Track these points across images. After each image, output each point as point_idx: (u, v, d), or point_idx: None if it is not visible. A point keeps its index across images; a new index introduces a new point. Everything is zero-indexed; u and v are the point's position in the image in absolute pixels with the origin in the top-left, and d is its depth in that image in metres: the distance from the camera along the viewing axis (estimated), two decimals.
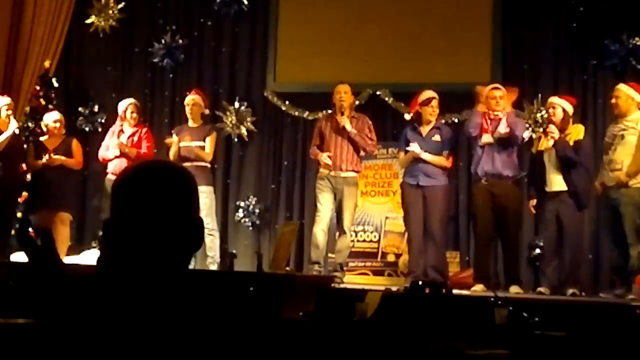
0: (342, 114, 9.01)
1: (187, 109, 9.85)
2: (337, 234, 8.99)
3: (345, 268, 8.94)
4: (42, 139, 10.10)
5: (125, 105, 9.98)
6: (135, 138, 9.87)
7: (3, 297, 5.94)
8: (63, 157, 9.89)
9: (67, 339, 1.90)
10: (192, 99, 9.85)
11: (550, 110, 8.78)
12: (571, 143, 8.54)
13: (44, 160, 9.77)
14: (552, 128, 8.57)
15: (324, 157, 9.00)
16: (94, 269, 2.05)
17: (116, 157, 9.75)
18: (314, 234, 8.95)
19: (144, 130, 10.00)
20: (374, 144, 9.10)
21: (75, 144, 10.11)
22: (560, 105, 8.70)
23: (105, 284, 1.98)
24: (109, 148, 9.89)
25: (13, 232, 10.12)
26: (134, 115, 9.94)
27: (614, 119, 8.75)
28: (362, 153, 9.15)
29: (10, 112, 9.76)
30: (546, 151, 8.64)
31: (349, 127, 8.94)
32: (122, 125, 9.97)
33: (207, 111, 10.11)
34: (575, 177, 8.52)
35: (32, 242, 2.11)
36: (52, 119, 10.12)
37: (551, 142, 8.58)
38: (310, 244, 9.14)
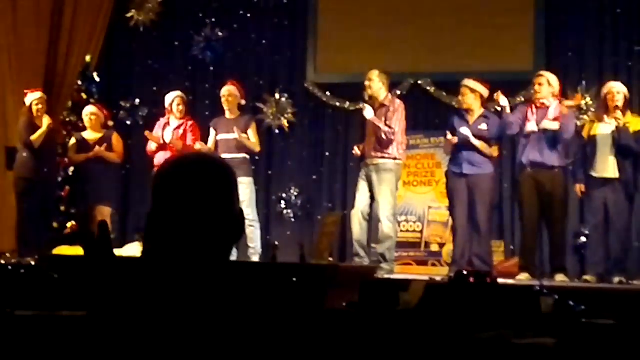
0: (366, 100, 9.07)
1: (223, 100, 9.85)
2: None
3: (389, 259, 8.84)
4: (83, 134, 10.19)
5: (172, 98, 10.02)
6: (181, 131, 9.90)
7: (49, 290, 5.99)
8: (104, 151, 9.98)
9: (116, 331, 1.90)
10: (227, 89, 9.84)
11: (615, 96, 8.57)
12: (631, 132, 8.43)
13: (91, 154, 9.90)
14: (619, 115, 8.41)
15: (354, 148, 9.17)
16: (137, 262, 2.05)
17: (158, 149, 9.79)
18: (351, 223, 8.97)
19: (190, 123, 10.00)
20: (389, 131, 8.79)
21: (115, 138, 10.21)
22: (623, 92, 8.58)
23: (148, 276, 1.97)
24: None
25: (56, 225, 10.30)
26: (180, 108, 9.97)
27: None
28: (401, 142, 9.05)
29: (40, 106, 9.89)
30: (600, 137, 8.52)
31: (366, 115, 8.94)
32: (168, 118, 10.01)
33: (243, 102, 10.06)
34: (629, 165, 8.43)
35: (91, 234, 2.13)
36: (88, 111, 10.23)
37: (607, 128, 8.46)
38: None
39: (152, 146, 9.91)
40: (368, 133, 9.02)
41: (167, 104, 10.04)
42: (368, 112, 8.93)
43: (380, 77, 9.01)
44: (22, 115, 10.01)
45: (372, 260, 9.01)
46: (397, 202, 9.18)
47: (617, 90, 8.58)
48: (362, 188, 8.96)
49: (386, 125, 8.81)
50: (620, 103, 8.50)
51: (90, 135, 10.14)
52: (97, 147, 9.94)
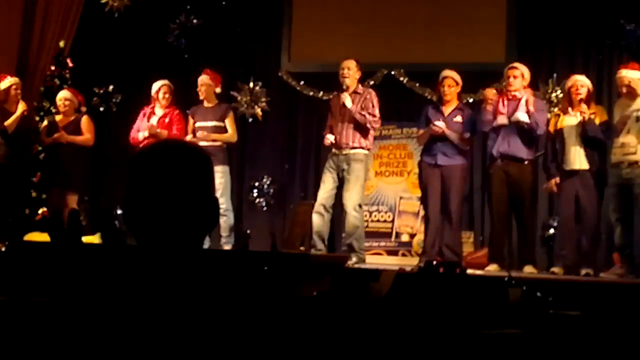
0: (344, 90, 8.96)
1: (198, 89, 9.83)
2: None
3: (358, 248, 8.84)
4: (57, 117, 10.14)
5: (158, 86, 9.90)
6: (167, 120, 9.82)
7: (19, 276, 5.98)
8: (70, 136, 9.90)
9: (85, 316, 1.92)
10: (200, 79, 9.81)
11: (579, 89, 8.63)
12: (597, 123, 8.49)
13: (55, 137, 9.83)
14: (584, 108, 8.47)
15: (327, 138, 8.98)
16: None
17: (146, 139, 9.68)
18: (312, 214, 8.93)
19: (176, 112, 9.90)
20: (375, 120, 8.83)
21: (85, 121, 10.03)
22: (587, 85, 8.63)
23: (120, 262, 2.00)
24: (140, 130, 9.84)
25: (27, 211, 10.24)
26: (167, 96, 9.86)
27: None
28: (372, 131, 9.02)
29: (18, 91, 9.84)
30: (567, 129, 8.57)
31: (348, 104, 8.81)
32: (153, 107, 9.94)
33: (218, 90, 10.02)
34: (597, 156, 8.49)
35: (60, 222, 2.15)
36: (61, 96, 10.14)
37: (573, 121, 8.51)
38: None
39: (138, 136, 9.80)
40: (340, 122, 8.94)
41: (153, 92, 9.93)
42: (349, 102, 8.87)
43: (358, 67, 9.01)
44: None
45: (343, 249, 9.04)
46: (364, 193, 9.17)
47: (580, 83, 8.63)
48: (328, 179, 8.91)
49: (369, 114, 8.82)
50: (583, 96, 8.56)
51: (61, 119, 10.06)
52: (61, 131, 9.87)
